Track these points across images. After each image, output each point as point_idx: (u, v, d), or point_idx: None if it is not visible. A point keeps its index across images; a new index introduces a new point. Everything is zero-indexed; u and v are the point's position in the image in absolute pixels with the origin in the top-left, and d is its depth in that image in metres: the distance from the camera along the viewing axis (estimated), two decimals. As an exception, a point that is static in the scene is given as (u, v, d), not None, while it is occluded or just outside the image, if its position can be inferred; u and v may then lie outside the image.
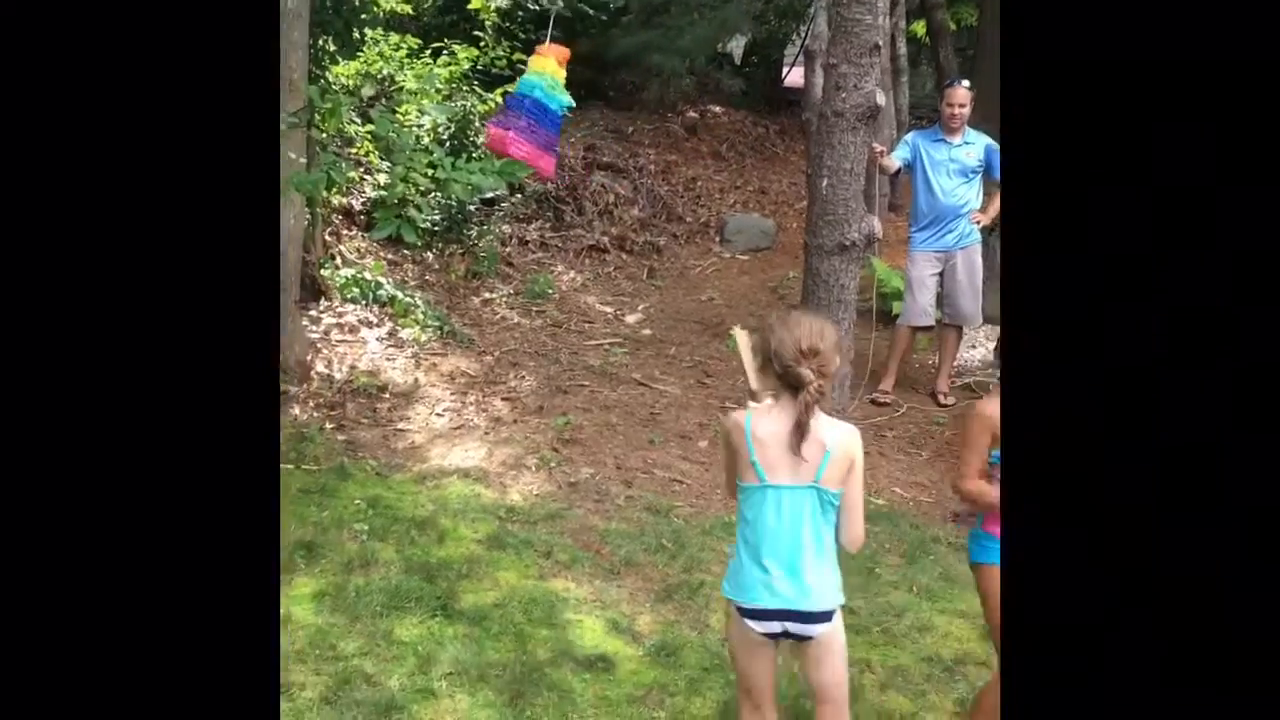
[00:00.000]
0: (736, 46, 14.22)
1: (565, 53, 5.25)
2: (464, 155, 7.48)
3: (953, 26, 12.13)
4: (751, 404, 2.73)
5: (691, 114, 11.36)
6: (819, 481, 2.56)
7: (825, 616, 2.62)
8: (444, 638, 3.53)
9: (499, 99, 8.34)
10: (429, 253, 7.52)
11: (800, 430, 2.51)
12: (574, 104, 5.26)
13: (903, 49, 10.18)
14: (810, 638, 2.63)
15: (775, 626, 2.63)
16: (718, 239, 9.37)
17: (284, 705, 3.08)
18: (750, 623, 2.64)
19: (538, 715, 3.23)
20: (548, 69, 5.11)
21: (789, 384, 2.54)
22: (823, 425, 2.56)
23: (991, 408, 2.84)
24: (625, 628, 3.75)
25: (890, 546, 4.57)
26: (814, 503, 2.58)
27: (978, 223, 6.26)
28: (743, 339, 3.03)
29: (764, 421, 2.59)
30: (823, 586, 2.61)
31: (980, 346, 7.29)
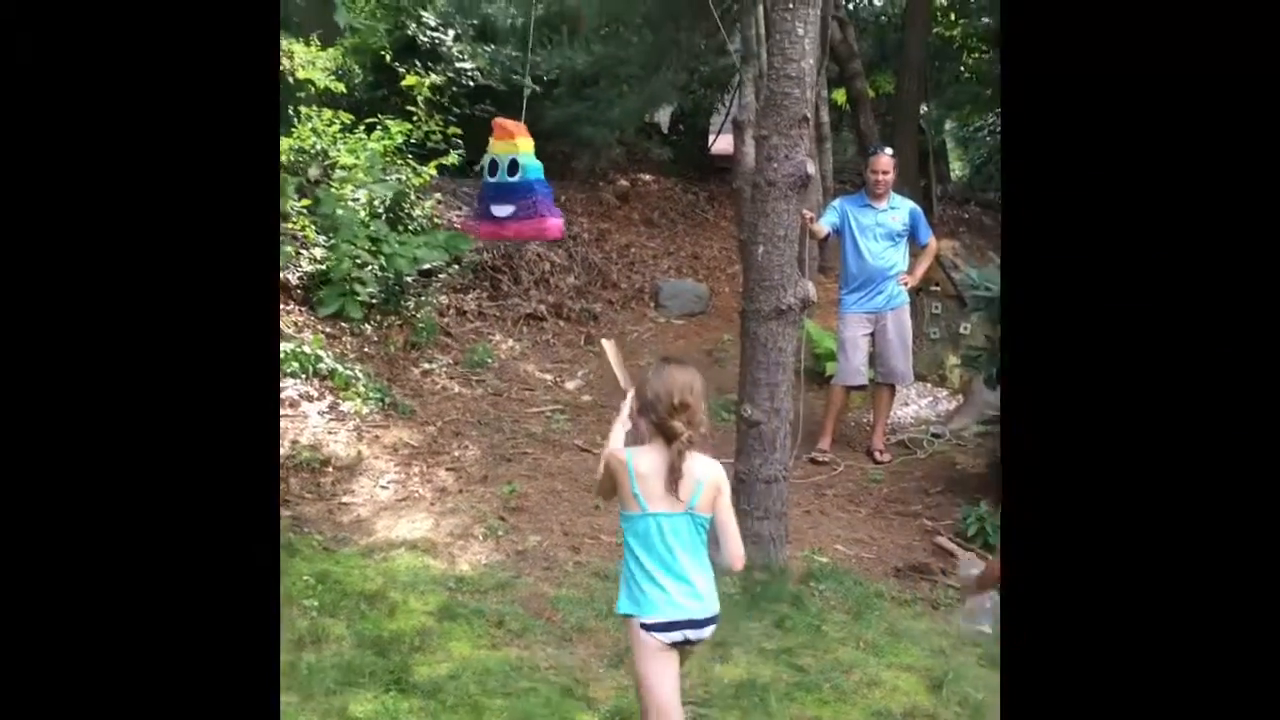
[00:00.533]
0: (663, 116, 14.51)
1: (518, 125, 5.41)
2: (400, 228, 7.56)
3: (871, 94, 12.54)
4: (625, 429, 3.15)
5: (623, 182, 11.55)
6: (693, 509, 2.96)
7: (715, 620, 3.04)
8: (399, 712, 3.52)
9: (433, 172, 8.43)
10: (367, 325, 7.52)
11: (674, 472, 2.91)
12: (539, 166, 5.40)
13: (825, 116, 10.48)
14: (702, 639, 3.04)
15: (678, 635, 2.97)
16: (653, 304, 9.49)
17: (241, 786, 3.05)
18: (657, 635, 2.96)
19: (497, 786, 3.23)
20: (501, 149, 5.27)
21: (663, 433, 2.92)
22: (693, 462, 2.94)
23: None
24: (580, 694, 3.77)
25: (835, 603, 4.65)
26: (690, 526, 2.97)
27: (905, 284, 6.46)
28: (610, 348, 3.68)
29: (644, 460, 2.96)
30: (710, 594, 3.02)
31: (912, 404, 7.47)
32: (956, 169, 18.38)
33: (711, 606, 3.01)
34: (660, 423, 2.91)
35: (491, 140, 5.55)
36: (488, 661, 3.89)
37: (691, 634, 2.99)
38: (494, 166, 5.44)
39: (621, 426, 3.17)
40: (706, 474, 2.97)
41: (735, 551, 3.04)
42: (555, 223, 5.30)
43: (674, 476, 2.90)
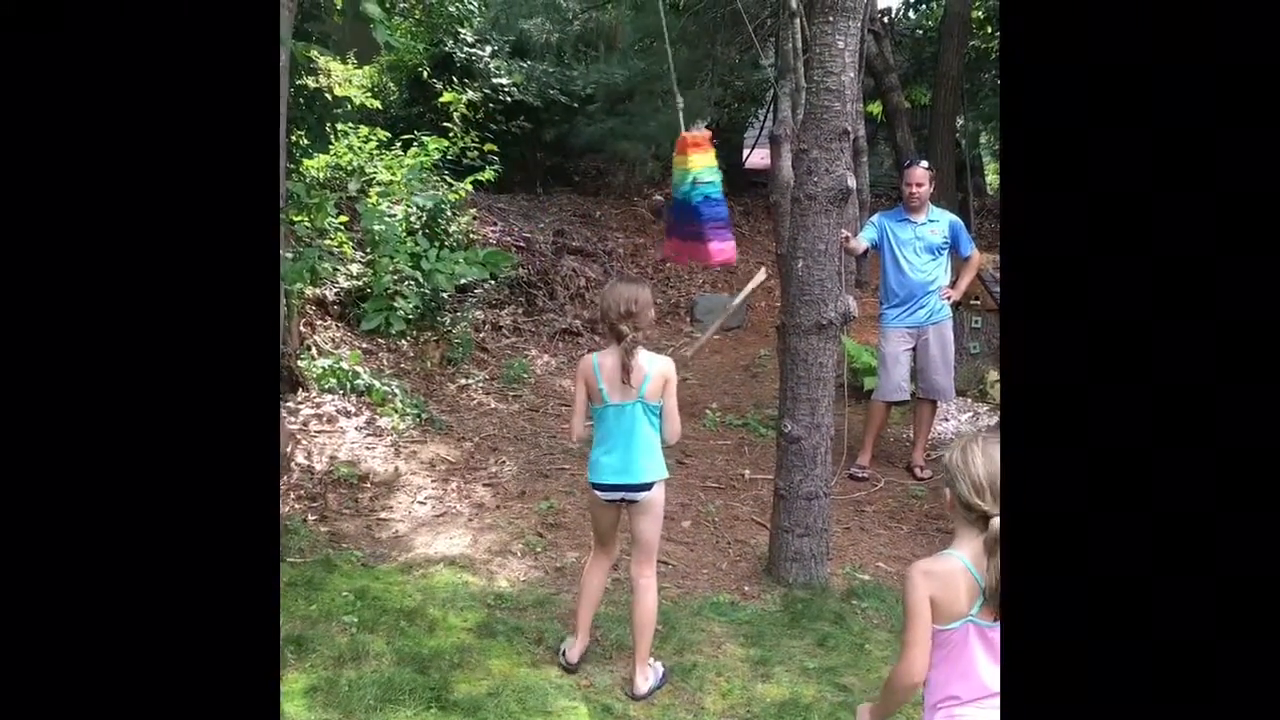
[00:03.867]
0: (698, 131, 14.54)
1: (697, 137, 5.05)
2: (438, 244, 7.57)
3: (908, 106, 12.48)
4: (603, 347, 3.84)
5: (657, 197, 11.56)
6: (643, 397, 3.71)
7: (648, 487, 3.80)
8: (440, 730, 3.49)
9: (469, 188, 8.46)
10: (404, 341, 7.55)
11: (625, 368, 3.66)
12: (712, 183, 5.05)
13: (861, 130, 10.43)
14: (637, 501, 3.82)
15: (616, 496, 3.85)
16: (689, 319, 9.47)
17: (282, 805, 3.04)
18: (600, 494, 3.86)
19: (538, 806, 3.20)
20: (677, 165, 4.95)
21: (615, 336, 3.68)
22: (642, 358, 3.68)
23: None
24: (620, 713, 3.73)
25: (878, 621, 4.58)
26: (642, 412, 3.74)
27: (948, 299, 6.39)
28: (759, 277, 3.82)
29: (605, 359, 3.74)
30: (648, 467, 3.78)
31: (953, 419, 7.39)
32: (994, 181, 18.28)
33: (646, 476, 3.79)
34: (611, 327, 3.68)
35: (676, 155, 5.20)
36: (528, 679, 3.86)
37: (628, 495, 3.82)
38: (680, 182, 5.12)
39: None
40: (654, 367, 3.71)
41: (673, 429, 3.81)
42: (718, 247, 4.97)
43: (626, 371, 3.65)
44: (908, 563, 5.26)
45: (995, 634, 2.36)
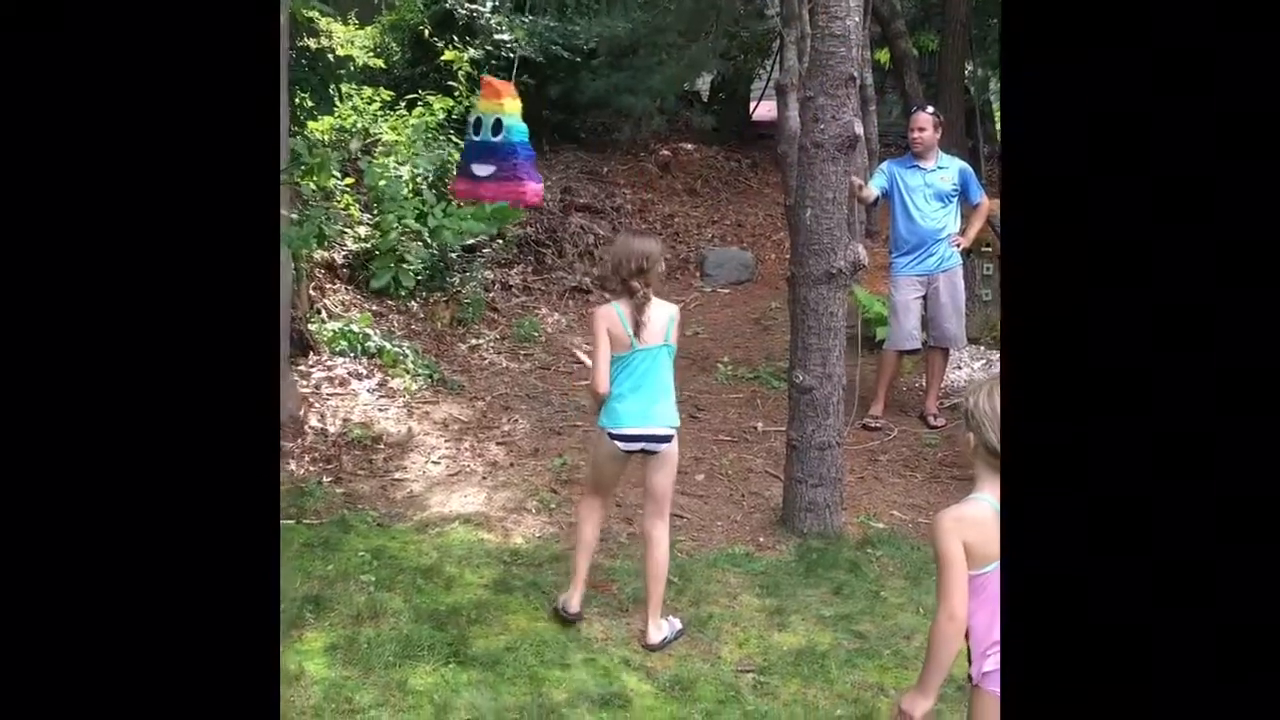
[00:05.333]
0: (704, 84, 14.39)
1: (504, 84, 5.16)
2: (444, 203, 7.54)
3: (915, 53, 12.33)
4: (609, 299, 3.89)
5: (664, 152, 11.48)
6: (668, 340, 3.83)
7: (668, 438, 3.85)
8: (458, 684, 3.52)
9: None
10: (413, 302, 7.54)
11: (638, 322, 3.77)
12: (523, 129, 5.13)
13: (869, 78, 10.34)
14: (657, 453, 3.85)
15: (636, 446, 3.84)
16: (698, 274, 9.44)
17: (304, 761, 3.07)
18: (620, 445, 3.83)
19: (558, 757, 3.23)
20: (488, 109, 5.05)
21: (627, 291, 3.77)
22: (657, 305, 3.81)
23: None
24: (638, 665, 3.75)
25: (893, 569, 4.59)
26: (666, 355, 3.85)
27: (958, 246, 6.34)
28: None
29: (625, 309, 3.78)
30: (670, 414, 3.84)
31: (965, 367, 7.37)
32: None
33: (671, 423, 3.85)
34: (623, 283, 3.78)
35: (478, 98, 5.33)
36: (545, 633, 3.88)
37: (649, 446, 3.84)
38: (478, 125, 5.18)
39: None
40: (671, 313, 3.86)
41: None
42: (534, 187, 5.07)
43: (642, 321, 3.76)
44: (922, 511, 5.28)
45: None
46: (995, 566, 2.33)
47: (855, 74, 4.55)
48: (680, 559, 4.57)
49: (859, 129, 4.60)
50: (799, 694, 3.63)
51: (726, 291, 9.18)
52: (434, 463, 5.49)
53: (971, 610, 2.40)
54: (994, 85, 17.02)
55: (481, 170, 5.04)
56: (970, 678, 2.50)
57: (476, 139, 5.14)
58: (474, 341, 7.37)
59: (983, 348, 7.56)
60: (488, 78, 5.28)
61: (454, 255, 7.81)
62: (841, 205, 4.65)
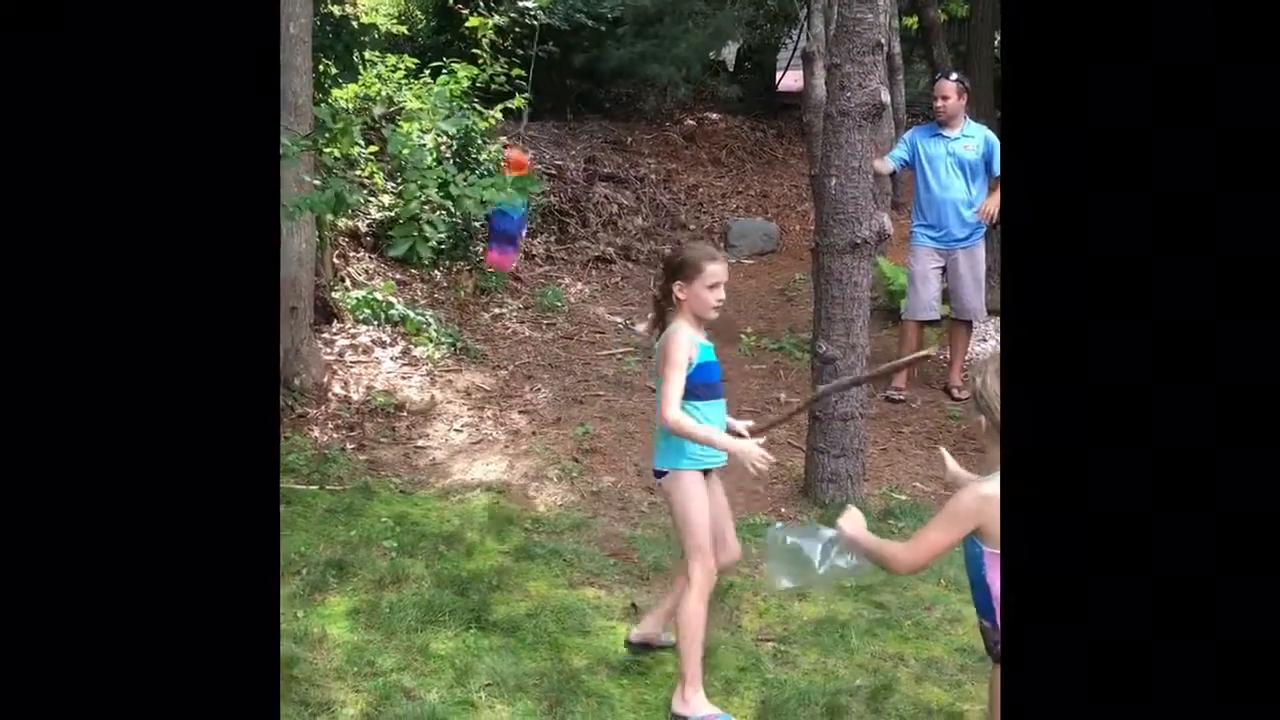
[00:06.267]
0: (729, 53, 14.28)
1: (519, 156, 5.32)
2: (468, 172, 7.52)
3: (944, 19, 12.16)
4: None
5: (689, 122, 11.42)
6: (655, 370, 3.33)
7: (661, 474, 3.33)
8: (480, 650, 3.54)
9: (499, 116, 8.38)
10: (436, 271, 7.54)
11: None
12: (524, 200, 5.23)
13: (897, 47, 10.23)
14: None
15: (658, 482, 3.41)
16: (722, 245, 9.40)
17: (326, 723, 3.10)
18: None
19: (578, 722, 3.24)
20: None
21: (663, 302, 3.30)
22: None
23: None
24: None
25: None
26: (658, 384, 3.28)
27: (985, 219, 6.27)
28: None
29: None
30: (657, 455, 3.35)
31: (991, 339, 7.31)
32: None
33: (656, 464, 3.39)
34: (668, 296, 3.27)
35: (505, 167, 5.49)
36: (566, 600, 3.89)
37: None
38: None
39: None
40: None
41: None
42: (495, 257, 5.35)
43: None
44: (945, 483, 5.25)
45: None
46: None
47: (882, 40, 4.50)
48: (701, 528, 4.56)
49: (885, 97, 4.56)
50: (819, 663, 3.64)
51: (750, 262, 9.14)
52: (456, 431, 5.51)
53: (997, 582, 2.40)
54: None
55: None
56: (999, 657, 2.49)
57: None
58: (497, 310, 7.37)
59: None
60: (512, 153, 5.25)
61: (477, 224, 7.80)
62: (867, 174, 4.62)
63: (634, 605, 3.89)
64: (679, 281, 3.22)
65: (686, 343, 3.20)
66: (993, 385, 2.36)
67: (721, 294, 3.26)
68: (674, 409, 3.15)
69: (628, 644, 3.51)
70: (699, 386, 3.21)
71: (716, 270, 3.23)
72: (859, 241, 4.61)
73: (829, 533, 2.73)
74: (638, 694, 3.40)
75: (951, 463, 2.93)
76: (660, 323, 3.32)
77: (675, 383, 3.16)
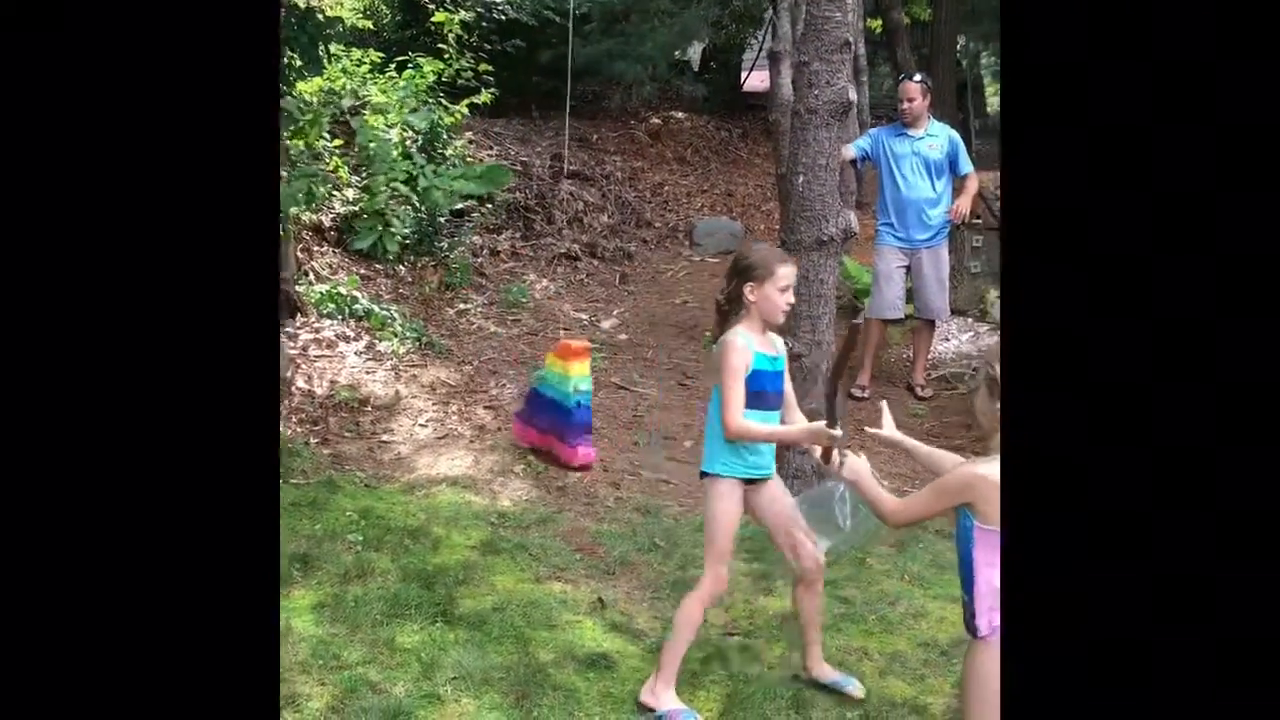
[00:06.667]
0: (694, 53, 14.31)
1: (579, 346, 5.07)
2: (434, 165, 7.49)
3: (908, 22, 12.27)
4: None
5: (655, 120, 11.42)
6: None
7: (702, 476, 3.36)
8: (446, 643, 3.53)
9: (465, 111, 8.35)
10: (401, 266, 7.50)
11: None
12: (586, 392, 5.04)
13: (862, 49, 10.29)
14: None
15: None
16: (688, 243, 9.42)
17: (291, 717, 3.07)
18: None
19: (544, 716, 3.23)
20: (555, 367, 5.06)
21: (731, 305, 3.25)
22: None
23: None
24: (625, 627, 3.77)
25: (879, 537, 4.61)
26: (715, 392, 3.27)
27: (955, 219, 6.32)
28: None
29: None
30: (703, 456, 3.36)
31: (953, 339, 7.38)
32: (993, 103, 18.05)
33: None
34: (739, 298, 3.23)
35: (551, 357, 5.26)
36: (532, 595, 3.89)
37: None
38: (541, 379, 5.25)
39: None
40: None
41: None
42: (586, 452, 5.05)
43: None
44: (909, 480, 5.30)
45: None
46: None
47: (850, 39, 4.53)
48: (667, 524, 4.58)
49: (853, 95, 4.59)
50: (784, 657, 3.66)
51: (715, 260, 9.15)
52: (421, 425, 5.49)
53: (993, 563, 2.45)
54: (985, 59, 16.98)
55: (552, 425, 5.06)
56: (975, 632, 2.52)
57: (549, 394, 5.10)
58: (462, 306, 7.34)
59: (970, 320, 7.57)
60: (567, 342, 5.17)
61: (442, 220, 7.77)
62: (834, 172, 4.64)
63: (600, 600, 3.90)
64: (750, 283, 3.18)
65: (742, 349, 3.17)
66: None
67: (791, 297, 3.27)
68: (736, 416, 3.15)
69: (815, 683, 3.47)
70: (747, 395, 3.18)
71: (788, 272, 3.22)
72: (826, 239, 4.63)
73: (840, 488, 2.83)
74: (604, 688, 3.40)
75: (887, 418, 3.07)
76: (722, 326, 3.26)
77: (735, 390, 3.15)
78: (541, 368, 5.20)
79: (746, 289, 3.18)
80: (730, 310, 3.25)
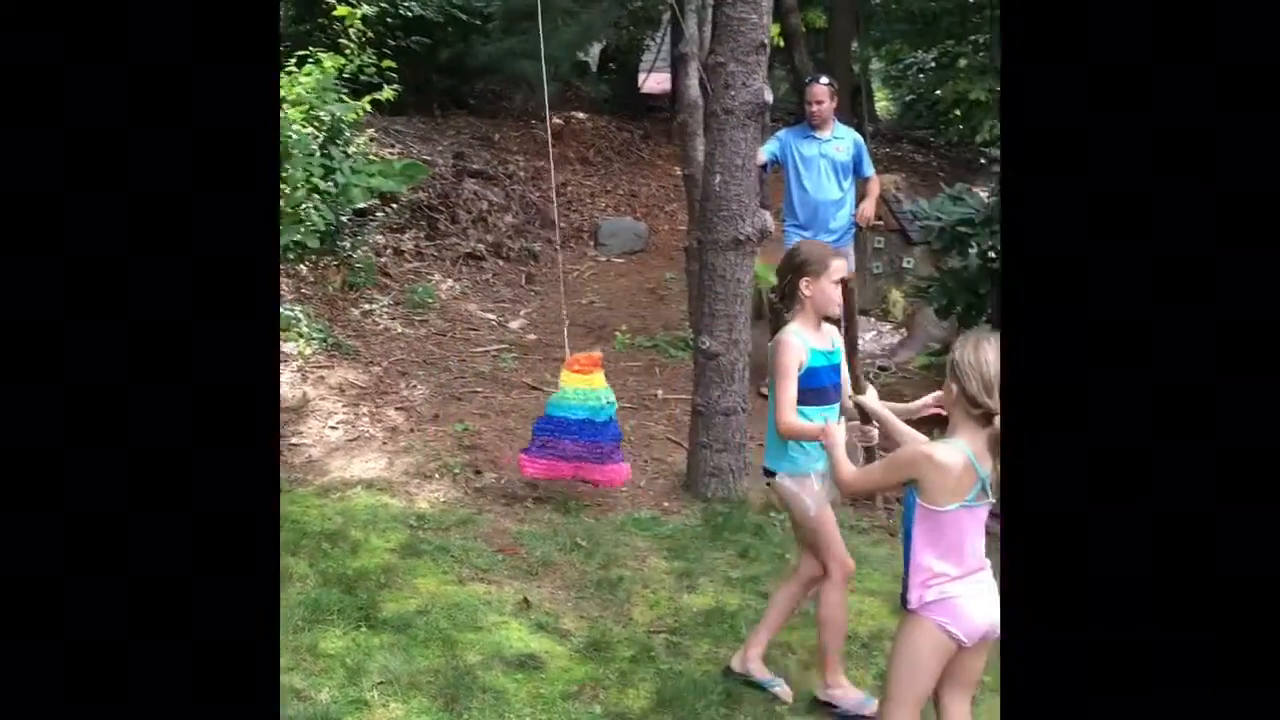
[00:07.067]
0: (593, 54, 14.31)
1: (587, 358, 4.84)
2: (349, 160, 7.32)
3: (804, 30, 12.46)
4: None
5: (557, 121, 11.37)
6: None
7: (770, 474, 3.45)
8: (370, 648, 3.46)
9: (366, 107, 8.18)
10: (302, 265, 7.32)
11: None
12: (613, 403, 4.77)
13: (762, 53, 10.42)
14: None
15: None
16: (593, 243, 9.41)
17: (215, 727, 2.98)
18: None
19: (474, 718, 3.20)
20: (577, 384, 4.73)
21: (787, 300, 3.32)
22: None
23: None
24: (551, 627, 3.74)
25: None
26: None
27: (863, 223, 6.43)
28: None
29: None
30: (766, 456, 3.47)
31: (859, 338, 7.52)
32: (883, 107, 18.44)
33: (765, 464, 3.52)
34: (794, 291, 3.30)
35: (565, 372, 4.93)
36: (456, 597, 3.84)
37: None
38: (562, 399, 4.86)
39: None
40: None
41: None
42: (624, 468, 4.78)
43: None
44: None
45: (982, 511, 2.53)
46: (958, 506, 2.48)
47: (765, 41, 4.58)
48: (587, 523, 4.57)
49: (768, 96, 4.64)
50: (710, 653, 3.68)
51: (621, 261, 9.18)
52: (332, 428, 5.38)
53: (928, 541, 2.53)
54: (875, 64, 17.34)
55: (572, 448, 4.67)
56: (905, 604, 2.59)
57: (574, 416, 4.72)
58: (367, 306, 7.22)
59: (872, 319, 7.73)
60: (574, 356, 4.91)
61: (345, 220, 7.60)
62: (750, 172, 4.69)
63: (526, 601, 3.87)
64: (806, 278, 3.25)
65: (798, 346, 3.21)
66: (970, 357, 2.47)
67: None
68: (788, 414, 3.19)
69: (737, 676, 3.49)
70: (805, 392, 3.22)
71: (841, 266, 3.33)
72: (742, 238, 4.68)
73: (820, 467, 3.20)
74: (533, 689, 3.38)
75: (871, 391, 3.28)
76: (776, 325, 3.36)
77: (786, 390, 3.19)
78: (554, 391, 4.84)
79: (802, 284, 3.25)
80: (784, 307, 3.34)
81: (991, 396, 2.40)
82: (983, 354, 2.43)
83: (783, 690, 3.47)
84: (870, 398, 3.18)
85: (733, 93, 4.58)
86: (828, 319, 3.37)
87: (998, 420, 2.37)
